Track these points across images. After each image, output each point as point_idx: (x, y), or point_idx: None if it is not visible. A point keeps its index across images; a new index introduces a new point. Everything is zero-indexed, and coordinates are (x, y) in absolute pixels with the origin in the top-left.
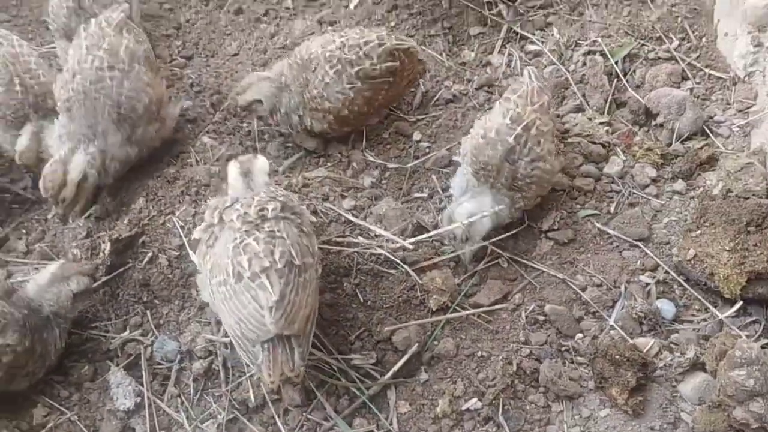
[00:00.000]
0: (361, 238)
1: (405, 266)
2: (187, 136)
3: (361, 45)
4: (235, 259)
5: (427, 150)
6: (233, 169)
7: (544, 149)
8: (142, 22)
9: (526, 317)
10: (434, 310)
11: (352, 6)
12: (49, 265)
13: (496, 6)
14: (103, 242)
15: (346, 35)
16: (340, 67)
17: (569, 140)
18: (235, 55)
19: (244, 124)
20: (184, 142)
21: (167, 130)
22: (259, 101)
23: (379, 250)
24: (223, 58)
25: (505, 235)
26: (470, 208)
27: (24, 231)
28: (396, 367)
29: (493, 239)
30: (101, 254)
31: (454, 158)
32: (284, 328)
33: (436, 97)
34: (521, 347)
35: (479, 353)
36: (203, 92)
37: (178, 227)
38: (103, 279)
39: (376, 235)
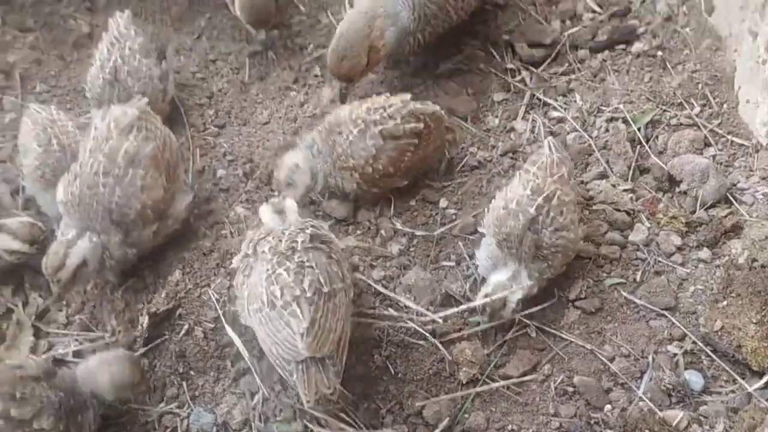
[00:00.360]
0: (391, 310)
1: (434, 340)
2: (221, 206)
3: (386, 107)
4: (269, 289)
5: (454, 217)
6: (266, 210)
7: (567, 219)
8: (176, 91)
9: (555, 389)
10: (464, 382)
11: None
12: (106, 351)
13: (520, 73)
14: (141, 315)
15: (372, 101)
16: (364, 126)
17: (594, 207)
18: (266, 123)
19: (275, 193)
20: (219, 213)
21: (169, 228)
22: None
23: (410, 323)
24: (254, 126)
25: (534, 309)
26: (499, 283)
27: (64, 302)
28: None
29: (521, 309)
30: (140, 327)
31: (480, 229)
32: (316, 351)
33: (461, 164)
34: (551, 420)
35: (509, 426)
36: (236, 161)
37: (214, 300)
38: (141, 351)
39: (406, 307)
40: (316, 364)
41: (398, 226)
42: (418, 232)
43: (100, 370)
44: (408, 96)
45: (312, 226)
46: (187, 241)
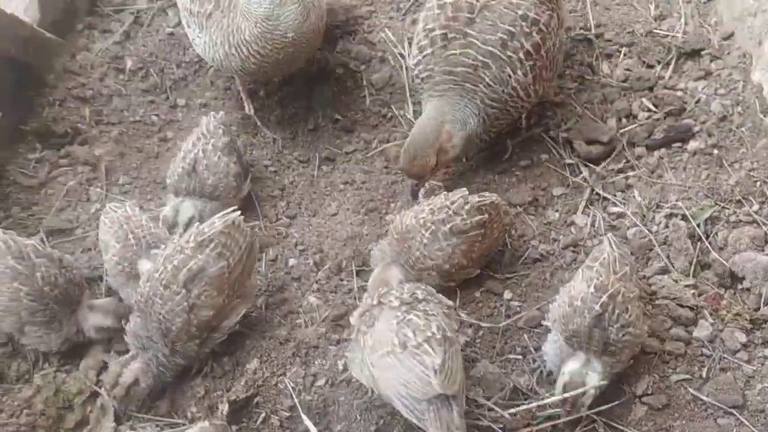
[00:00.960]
0: None
1: None
2: (294, 295)
3: (449, 206)
4: (401, 332)
5: (518, 309)
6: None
7: (633, 315)
8: (251, 184)
9: None
10: None
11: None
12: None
13: (578, 168)
14: (221, 402)
15: (432, 202)
16: (434, 228)
17: (657, 302)
18: (335, 215)
19: (345, 282)
20: (292, 302)
21: (215, 340)
22: (401, 282)
23: (483, 420)
24: (323, 217)
25: (605, 406)
26: (574, 371)
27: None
28: None
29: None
30: (219, 414)
31: (543, 322)
32: (447, 387)
33: (524, 257)
34: None
35: None
36: (306, 251)
37: (290, 389)
38: None
39: (476, 401)
40: (446, 405)
41: (464, 317)
42: (484, 324)
43: None
44: (465, 190)
45: (424, 286)
46: (264, 330)
